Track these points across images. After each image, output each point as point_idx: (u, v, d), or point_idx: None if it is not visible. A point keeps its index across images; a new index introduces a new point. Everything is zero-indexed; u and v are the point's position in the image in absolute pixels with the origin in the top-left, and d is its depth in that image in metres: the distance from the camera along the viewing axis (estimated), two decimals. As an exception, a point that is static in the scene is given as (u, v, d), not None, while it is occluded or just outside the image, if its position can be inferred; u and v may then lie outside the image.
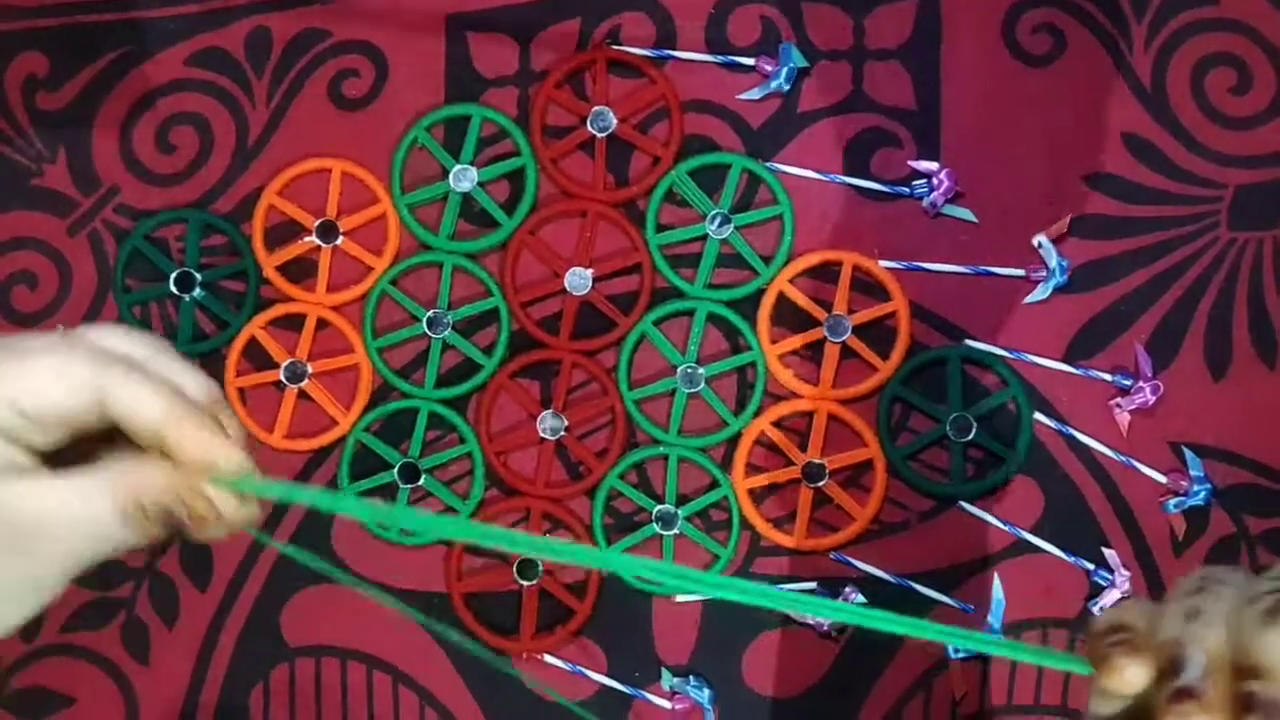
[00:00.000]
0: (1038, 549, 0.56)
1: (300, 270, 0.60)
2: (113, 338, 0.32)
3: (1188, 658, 0.27)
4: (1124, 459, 0.56)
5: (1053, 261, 0.57)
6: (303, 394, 0.59)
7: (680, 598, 0.57)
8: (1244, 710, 0.26)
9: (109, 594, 0.58)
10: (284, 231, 0.60)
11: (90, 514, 0.30)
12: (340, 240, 0.60)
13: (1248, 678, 0.26)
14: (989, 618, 0.56)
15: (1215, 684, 0.26)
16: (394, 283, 0.59)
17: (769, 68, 0.59)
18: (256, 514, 0.33)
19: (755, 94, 0.59)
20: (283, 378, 0.58)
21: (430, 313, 0.58)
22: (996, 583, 0.56)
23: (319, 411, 0.59)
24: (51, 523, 0.30)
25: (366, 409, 0.59)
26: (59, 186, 0.61)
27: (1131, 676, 0.27)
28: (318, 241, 0.59)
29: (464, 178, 0.59)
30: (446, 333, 0.58)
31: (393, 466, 0.58)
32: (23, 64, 0.62)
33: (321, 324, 0.59)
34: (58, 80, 0.61)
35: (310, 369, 0.59)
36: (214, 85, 0.61)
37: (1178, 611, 0.28)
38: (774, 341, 0.58)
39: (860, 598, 0.56)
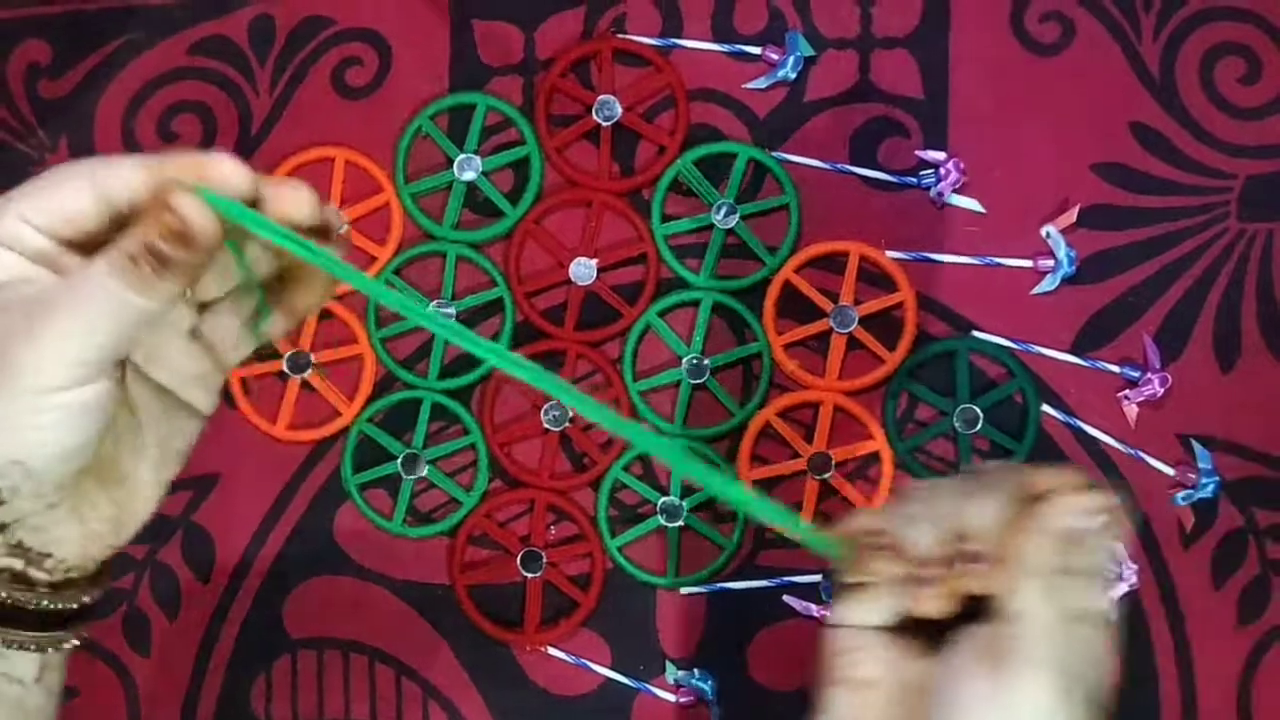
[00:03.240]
0: (1045, 542, 0.54)
1: (303, 260, 0.58)
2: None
3: (967, 527, 0.30)
4: (1132, 451, 0.55)
5: (1061, 252, 0.55)
6: (305, 385, 0.57)
7: (685, 590, 0.55)
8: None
9: (110, 585, 0.56)
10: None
11: (88, 280, 0.29)
12: (344, 229, 0.57)
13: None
14: (996, 611, 0.54)
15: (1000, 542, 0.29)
16: (397, 273, 0.57)
17: (775, 56, 0.57)
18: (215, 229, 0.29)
19: (762, 83, 0.58)
20: (285, 368, 0.57)
21: (434, 303, 0.57)
22: (1003, 576, 0.54)
23: (322, 402, 0.57)
24: (55, 299, 0.29)
25: (370, 400, 0.57)
26: (61, 175, 0.59)
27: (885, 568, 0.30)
28: (321, 231, 0.57)
29: (468, 167, 0.57)
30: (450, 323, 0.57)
31: (396, 457, 0.56)
32: (25, 52, 0.60)
33: (324, 314, 0.57)
34: (60, 68, 0.60)
35: (313, 359, 0.57)
36: (217, 73, 0.59)
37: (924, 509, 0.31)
38: (780, 332, 0.56)
39: (866, 590, 0.54)
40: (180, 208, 0.29)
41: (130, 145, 0.59)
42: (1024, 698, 0.28)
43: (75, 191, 0.30)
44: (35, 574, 0.31)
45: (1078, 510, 0.29)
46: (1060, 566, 0.29)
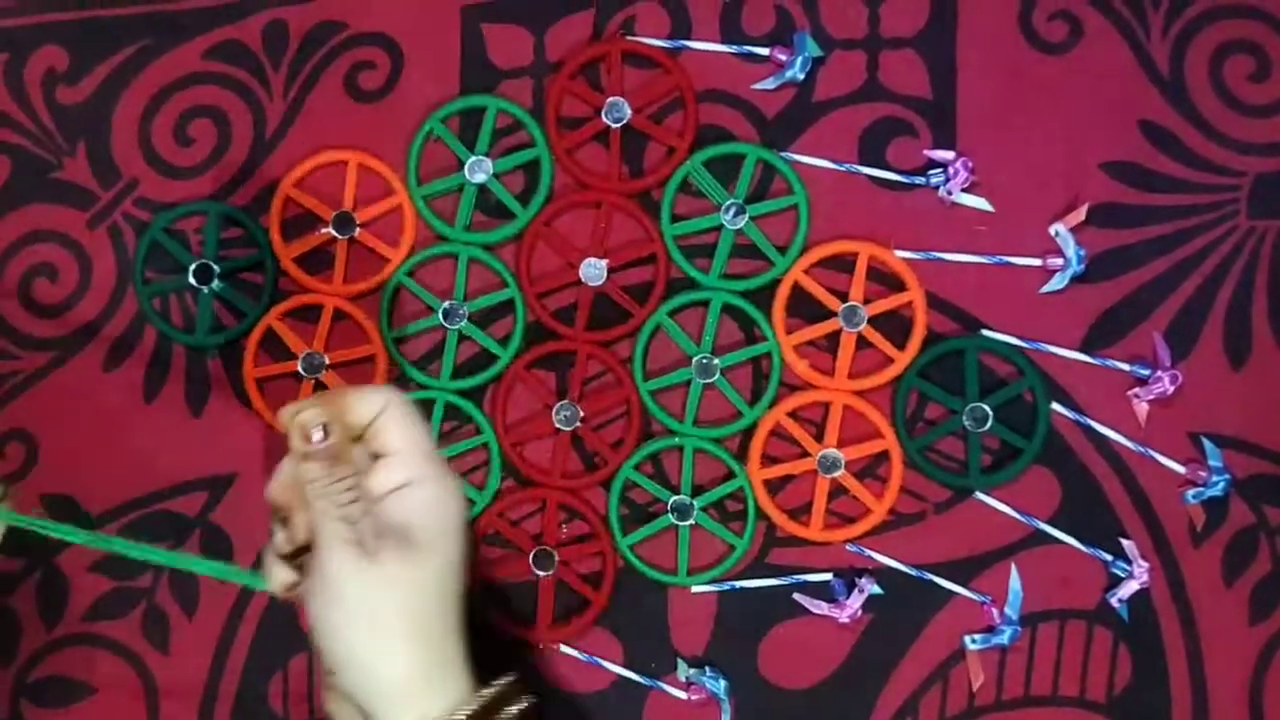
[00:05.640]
0: (1055, 540, 0.53)
1: (317, 262, 0.57)
2: None
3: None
4: (1142, 449, 0.53)
5: (1070, 250, 0.53)
6: (320, 385, 0.56)
7: (696, 589, 0.54)
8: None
9: (129, 583, 0.55)
10: (301, 223, 0.57)
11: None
12: (357, 232, 0.56)
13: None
14: (1006, 609, 0.52)
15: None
16: (410, 274, 0.56)
17: (784, 57, 0.56)
18: None
19: (770, 84, 0.56)
20: (300, 369, 0.55)
21: (446, 304, 0.55)
22: (1014, 574, 0.52)
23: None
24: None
25: (383, 400, 0.55)
26: (79, 180, 0.58)
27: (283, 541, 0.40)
28: (334, 233, 0.56)
29: (479, 169, 0.56)
30: (462, 324, 0.55)
31: (409, 457, 0.55)
32: (43, 58, 0.59)
33: (338, 315, 0.56)
34: (77, 74, 0.58)
35: (327, 360, 0.56)
36: (231, 78, 0.58)
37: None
38: (789, 332, 0.54)
39: (876, 589, 0.53)
40: None
41: (147, 148, 0.58)
42: (325, 565, 0.37)
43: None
44: None
45: (294, 431, 0.39)
46: (309, 478, 0.38)
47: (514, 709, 0.38)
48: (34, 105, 0.58)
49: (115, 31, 0.58)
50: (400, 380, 0.56)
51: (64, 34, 0.59)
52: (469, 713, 0.37)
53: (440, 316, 0.55)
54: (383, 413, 0.40)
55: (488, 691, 0.38)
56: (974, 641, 0.52)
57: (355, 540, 0.37)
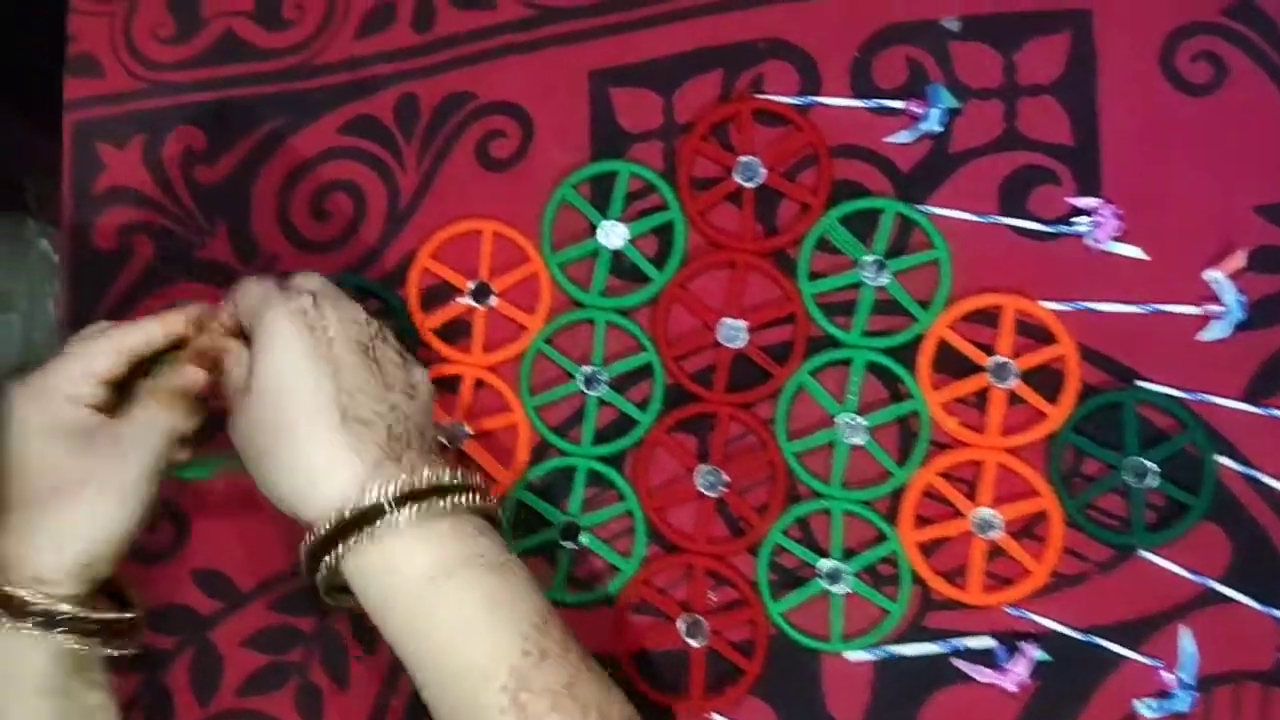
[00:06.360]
0: (1227, 599, 0.50)
1: (455, 331, 0.56)
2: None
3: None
4: (1317, 503, 0.50)
5: (1229, 297, 0.51)
6: (462, 455, 0.55)
7: (851, 655, 0.52)
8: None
9: (282, 658, 0.55)
10: (438, 294, 0.57)
11: (146, 417, 0.46)
12: (494, 300, 0.56)
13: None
14: (1180, 672, 0.50)
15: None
16: (548, 341, 0.56)
17: (918, 110, 0.54)
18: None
19: (906, 137, 0.55)
20: (443, 440, 0.55)
21: (586, 370, 0.55)
22: (1185, 635, 0.50)
23: (479, 472, 0.55)
24: (128, 436, 0.45)
25: (526, 467, 0.55)
26: (221, 257, 0.58)
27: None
28: (472, 303, 0.56)
29: (613, 233, 0.55)
30: (602, 389, 0.55)
31: (554, 525, 0.54)
32: (180, 138, 0.60)
33: (479, 384, 0.56)
34: (215, 153, 0.59)
35: (469, 430, 0.55)
36: (365, 152, 0.58)
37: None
38: (936, 389, 0.53)
39: (1040, 653, 0.50)
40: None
41: (285, 225, 0.58)
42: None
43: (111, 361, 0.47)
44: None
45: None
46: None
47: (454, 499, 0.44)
48: (174, 185, 0.59)
49: (251, 111, 0.59)
50: (541, 447, 0.55)
51: (200, 115, 0.59)
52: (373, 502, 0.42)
53: (580, 383, 0.55)
54: (240, 310, 0.47)
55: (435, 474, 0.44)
56: (1148, 708, 0.50)
57: (224, 399, 0.47)
